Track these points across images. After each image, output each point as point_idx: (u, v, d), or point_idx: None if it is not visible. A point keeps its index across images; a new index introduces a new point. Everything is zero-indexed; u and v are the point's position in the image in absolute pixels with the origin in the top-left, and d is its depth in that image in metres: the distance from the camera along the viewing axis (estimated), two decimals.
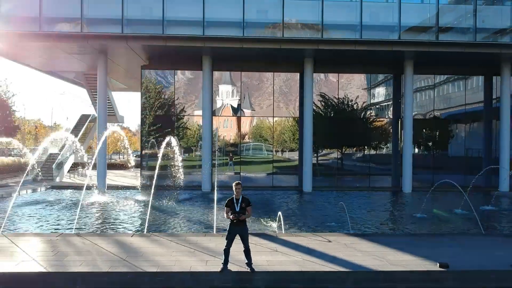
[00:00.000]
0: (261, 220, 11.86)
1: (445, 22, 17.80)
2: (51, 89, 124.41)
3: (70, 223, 11.23)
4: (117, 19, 16.77)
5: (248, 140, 23.71)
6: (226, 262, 6.79)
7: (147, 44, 17.52)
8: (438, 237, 10.04)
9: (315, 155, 22.55)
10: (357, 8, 17.23)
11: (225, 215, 6.95)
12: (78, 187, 20.14)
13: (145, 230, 9.78)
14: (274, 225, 10.96)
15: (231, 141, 23.58)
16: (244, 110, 23.29)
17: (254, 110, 23.48)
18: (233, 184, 7.01)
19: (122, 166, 32.25)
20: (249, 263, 6.79)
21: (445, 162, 23.40)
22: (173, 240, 8.71)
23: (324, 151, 24.11)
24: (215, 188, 13.36)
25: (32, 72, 25.29)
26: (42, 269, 6.74)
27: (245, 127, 23.95)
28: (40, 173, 21.69)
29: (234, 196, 6.89)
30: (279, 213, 10.05)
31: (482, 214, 13.19)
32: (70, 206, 14.53)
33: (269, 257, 7.48)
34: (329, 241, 8.71)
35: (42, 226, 11.21)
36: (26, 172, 19.01)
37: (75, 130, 28.13)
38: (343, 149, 23.43)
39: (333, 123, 23.11)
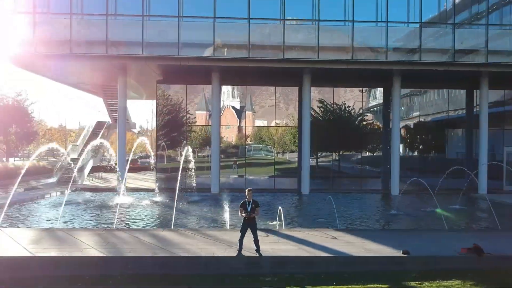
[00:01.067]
0: (266, 217, 14.00)
1: (428, 44, 19.92)
2: (60, 93, 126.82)
3: (110, 220, 13.35)
4: (137, 41, 18.95)
5: (250, 142, 25.94)
6: (240, 249, 8.92)
7: (163, 63, 19.72)
8: (406, 231, 12.26)
9: (315, 156, 24.82)
10: (349, 32, 19.40)
11: (239, 214, 9.10)
12: (101, 190, 22.35)
13: (172, 226, 11.92)
14: (276, 222, 13.08)
15: (234, 143, 25.87)
16: (247, 112, 25.36)
17: (255, 112, 25.61)
18: (246, 190, 9.20)
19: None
20: (258, 250, 8.91)
21: (436, 166, 25.38)
22: (196, 234, 10.86)
23: (322, 155, 26.33)
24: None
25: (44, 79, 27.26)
26: (102, 254, 8.90)
27: (248, 129, 26.06)
28: (65, 176, 23.88)
29: (246, 199, 9.05)
30: (279, 208, 12.17)
31: (449, 212, 15.28)
32: (100, 206, 16.68)
33: (273, 246, 9.60)
34: (321, 235, 10.86)
35: (81, 222, 13.36)
36: (54, 174, 21.20)
37: (92, 136, 30.26)
38: (340, 153, 25.68)
39: (331, 128, 25.25)
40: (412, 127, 26.33)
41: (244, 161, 24.94)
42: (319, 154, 25.88)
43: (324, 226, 12.46)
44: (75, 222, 13.39)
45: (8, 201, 12.67)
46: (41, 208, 16.29)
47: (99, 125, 31.46)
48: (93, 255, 8.85)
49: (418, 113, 26.03)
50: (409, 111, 27.06)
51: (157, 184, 22.25)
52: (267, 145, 25.86)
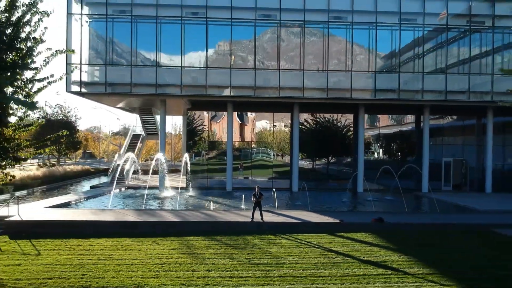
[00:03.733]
0: (266, 204, 21.60)
1: (381, 85, 27.47)
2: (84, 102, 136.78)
3: (170, 205, 20.98)
4: (177, 84, 26.57)
5: (253, 146, 33.84)
6: (252, 219, 16.57)
7: (193, 99, 27.39)
8: (344, 212, 19.99)
9: (309, 160, 32.62)
10: (325, 77, 27.00)
11: (252, 198, 16.75)
12: (147, 188, 29.91)
13: (211, 208, 19.58)
14: (271, 206, 20.70)
15: (239, 146, 33.72)
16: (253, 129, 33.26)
17: (257, 132, 33.50)
18: (256, 186, 16.91)
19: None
20: (262, 219, 16.56)
21: (395, 170, 33.04)
22: (226, 211, 18.56)
23: (314, 160, 34.15)
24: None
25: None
26: (178, 220, 16.58)
27: (250, 134, 33.92)
28: (118, 177, 31.50)
29: (256, 191, 16.70)
30: (275, 199, 19.81)
31: (381, 201, 22.86)
32: (155, 198, 24.31)
33: (270, 218, 17.25)
34: (297, 213, 18.54)
35: (153, 206, 20.96)
36: (108, 175, 28.76)
37: (131, 145, 37.92)
38: (329, 159, 33.59)
39: (320, 137, 33.06)
40: (374, 139, 34.12)
41: (250, 164, 32.70)
42: (310, 159, 33.70)
43: (300, 209, 20.10)
44: (148, 206, 21.06)
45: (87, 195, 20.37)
46: (124, 199, 23.88)
47: (135, 137, 39.14)
48: (174, 220, 16.55)
49: (378, 130, 33.81)
50: (372, 125, 34.92)
51: (189, 183, 29.96)
52: (266, 148, 33.81)
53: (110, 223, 16.44)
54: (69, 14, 25.78)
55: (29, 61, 10.31)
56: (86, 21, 26.28)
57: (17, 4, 9.94)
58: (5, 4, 9.89)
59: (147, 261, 11.95)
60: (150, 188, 29.24)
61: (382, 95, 27.32)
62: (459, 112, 31.79)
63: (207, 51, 26.77)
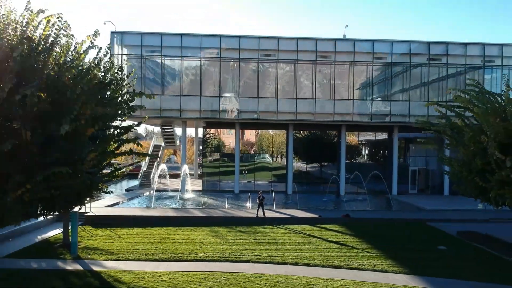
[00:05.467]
0: (267, 203, 28.20)
1: (358, 110, 34.12)
2: None
3: (193, 204, 27.64)
4: (196, 109, 33.22)
5: (255, 149, 40.50)
6: (257, 214, 23.23)
7: (209, 120, 34.07)
8: (324, 210, 26.62)
9: (304, 162, 39.22)
10: (313, 104, 33.63)
11: (257, 200, 23.44)
12: (170, 190, 36.55)
13: (227, 206, 26.27)
14: (271, 205, 27.31)
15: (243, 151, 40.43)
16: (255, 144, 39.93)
17: (261, 147, 40.16)
18: (259, 191, 23.63)
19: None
20: (264, 214, 23.23)
21: (372, 175, 39.70)
22: (237, 209, 25.25)
23: (304, 163, 40.73)
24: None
25: None
26: (203, 215, 23.28)
27: (253, 140, 40.53)
28: (145, 181, 38.21)
29: (259, 194, 23.39)
30: (273, 200, 26.49)
31: (355, 201, 29.48)
32: (180, 198, 30.93)
33: (270, 214, 23.93)
34: (289, 210, 25.22)
35: (184, 205, 27.59)
36: (138, 179, 35.54)
37: (153, 153, 44.55)
38: (321, 163, 40.26)
39: (313, 144, 39.67)
40: (355, 147, 40.78)
41: (254, 166, 39.39)
42: (304, 162, 40.41)
43: (292, 208, 26.76)
44: (179, 205, 27.71)
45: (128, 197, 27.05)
46: (158, 200, 30.49)
47: (156, 147, 45.82)
48: (201, 215, 23.26)
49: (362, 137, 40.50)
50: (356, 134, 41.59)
51: (204, 186, 36.68)
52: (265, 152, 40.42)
53: (157, 217, 23.10)
54: (111, 54, 32.38)
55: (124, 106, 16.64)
56: (125, 59, 32.91)
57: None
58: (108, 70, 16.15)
59: (191, 240, 18.61)
60: (173, 190, 35.98)
61: (358, 118, 33.99)
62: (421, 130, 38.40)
63: (220, 82, 33.44)
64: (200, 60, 33.17)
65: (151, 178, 39.77)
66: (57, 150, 10.73)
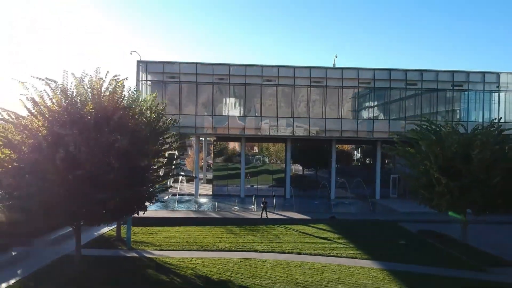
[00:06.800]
0: (268, 206, 33.79)
1: (346, 127, 39.71)
2: None
3: (206, 207, 33.25)
4: (208, 126, 38.84)
5: (256, 151, 46.09)
6: (261, 216, 28.89)
7: (219, 136, 39.72)
8: (315, 212, 32.26)
9: (304, 169, 44.77)
10: (308, 122, 39.25)
11: (261, 204, 29.11)
12: (183, 194, 42.07)
13: (236, 208, 31.91)
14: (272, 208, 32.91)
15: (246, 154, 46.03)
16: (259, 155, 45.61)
17: (264, 156, 45.85)
18: (263, 198, 29.33)
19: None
20: (267, 216, 28.88)
21: (371, 180, 45.32)
22: (245, 212, 30.89)
23: (306, 170, 46.36)
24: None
25: None
26: (217, 216, 28.94)
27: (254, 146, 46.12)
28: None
29: (263, 200, 29.06)
30: (274, 203, 32.13)
31: (342, 205, 35.13)
32: (195, 202, 36.49)
33: (272, 216, 29.56)
34: (287, 213, 30.88)
35: (198, 208, 33.20)
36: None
37: (167, 162, 50.09)
38: (318, 169, 45.85)
39: (310, 151, 45.23)
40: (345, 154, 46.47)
41: (257, 170, 45.00)
42: (302, 167, 46.05)
43: (289, 210, 32.40)
44: (197, 208, 33.31)
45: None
46: (179, 203, 36.11)
47: (171, 156, 51.36)
48: (217, 217, 28.92)
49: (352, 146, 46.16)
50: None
51: (214, 191, 42.32)
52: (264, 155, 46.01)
53: (182, 218, 28.70)
54: (138, 80, 38.07)
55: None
56: (148, 84, 38.54)
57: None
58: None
59: (212, 236, 24.22)
60: (189, 195, 41.60)
61: (346, 134, 39.68)
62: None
63: (229, 104, 39.10)
64: (212, 84, 38.81)
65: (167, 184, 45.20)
66: (137, 176, 16.35)
